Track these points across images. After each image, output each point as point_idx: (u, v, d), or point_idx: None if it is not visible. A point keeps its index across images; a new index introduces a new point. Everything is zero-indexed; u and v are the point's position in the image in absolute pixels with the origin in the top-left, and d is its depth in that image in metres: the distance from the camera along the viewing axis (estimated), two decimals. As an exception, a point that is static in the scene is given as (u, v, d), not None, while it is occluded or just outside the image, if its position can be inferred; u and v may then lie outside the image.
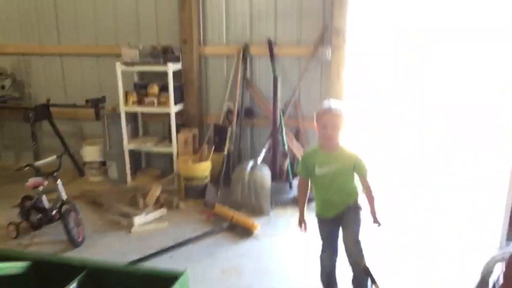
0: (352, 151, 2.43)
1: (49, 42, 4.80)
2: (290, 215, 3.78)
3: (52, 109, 4.65)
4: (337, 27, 3.87)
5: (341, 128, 2.36)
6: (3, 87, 4.79)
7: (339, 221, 2.48)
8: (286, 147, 4.05)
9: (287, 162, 4.05)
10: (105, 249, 3.33)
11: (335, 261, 2.58)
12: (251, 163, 3.96)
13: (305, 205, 2.57)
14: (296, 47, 4.10)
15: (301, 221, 2.57)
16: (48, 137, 4.90)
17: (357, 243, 2.39)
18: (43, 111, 4.54)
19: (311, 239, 3.08)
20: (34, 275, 2.02)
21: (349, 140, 2.46)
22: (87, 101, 4.33)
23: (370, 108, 4.81)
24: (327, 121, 2.34)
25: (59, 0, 4.67)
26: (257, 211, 3.83)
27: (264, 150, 4.09)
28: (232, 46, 4.25)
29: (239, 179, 3.91)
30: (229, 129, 4.21)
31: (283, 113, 4.13)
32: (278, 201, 3.93)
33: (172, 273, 2.00)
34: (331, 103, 2.40)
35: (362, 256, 2.35)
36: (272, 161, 4.11)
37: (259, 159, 4.01)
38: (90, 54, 4.73)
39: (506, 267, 1.88)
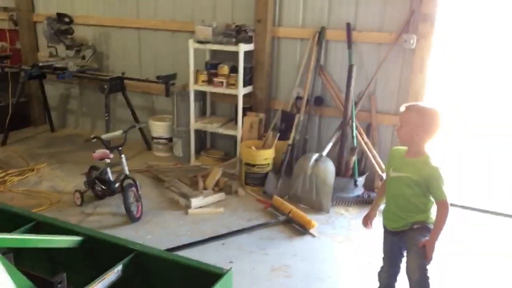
0: (434, 166, 2.08)
1: (129, 15, 4.87)
2: (351, 216, 3.53)
3: (126, 82, 4.76)
4: (426, 12, 3.44)
5: (409, 131, 2.08)
6: (83, 57, 4.98)
7: (401, 239, 2.21)
8: (355, 142, 3.76)
9: (354, 158, 3.76)
10: (160, 227, 3.35)
11: (394, 280, 2.33)
12: (315, 156, 3.74)
13: (378, 203, 2.42)
14: (377, 33, 3.74)
15: (368, 216, 2.40)
16: (122, 109, 5.05)
17: (420, 272, 2.08)
18: (117, 84, 4.65)
19: (373, 247, 2.85)
20: (85, 250, 2.07)
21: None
22: (158, 77, 4.34)
23: (460, 108, 4.34)
24: (399, 118, 2.10)
25: (141, -26, 4.71)
26: (317, 207, 3.63)
27: (331, 143, 3.84)
28: (308, 29, 3.99)
29: (301, 171, 3.72)
30: (297, 117, 4.00)
31: (356, 105, 3.83)
32: (340, 198, 3.68)
33: (217, 270, 1.93)
34: (416, 103, 2.15)
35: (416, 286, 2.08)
36: (338, 156, 3.86)
37: (325, 152, 3.77)
38: (166, 30, 4.73)
39: None
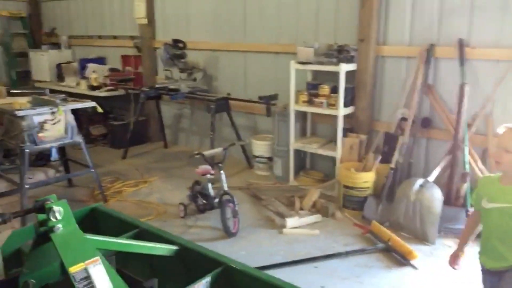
0: None
1: (236, 40, 5.13)
2: (467, 251, 3.18)
3: (231, 102, 4.98)
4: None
5: None
6: (195, 79, 5.35)
7: (502, 280, 1.92)
8: (467, 168, 3.42)
9: (465, 186, 3.41)
10: (255, 244, 3.39)
11: None
12: (420, 181, 3.47)
13: (468, 239, 2.16)
14: (495, 49, 3.39)
15: (456, 254, 2.17)
16: (226, 128, 5.28)
17: None
18: (223, 104, 4.89)
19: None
20: (180, 259, 2.18)
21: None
22: (260, 97, 4.47)
23: None
24: (500, 140, 1.88)
25: (248, 1, 4.94)
26: (421, 237, 3.35)
27: (439, 168, 3.53)
28: (415, 47, 3.78)
29: (404, 197, 3.48)
30: (400, 139, 3.78)
31: (469, 127, 3.49)
32: (448, 229, 3.35)
33: (299, 293, 1.88)
34: None
35: None
36: (447, 182, 3.54)
37: (431, 178, 3.48)
38: (270, 52, 4.88)
39: None
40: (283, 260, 3.11)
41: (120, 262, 2.20)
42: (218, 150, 3.89)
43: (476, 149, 3.52)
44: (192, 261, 2.20)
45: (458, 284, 2.79)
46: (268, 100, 4.47)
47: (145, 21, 5.89)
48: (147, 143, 6.19)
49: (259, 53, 4.98)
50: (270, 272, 2.82)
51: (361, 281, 2.87)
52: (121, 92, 5.87)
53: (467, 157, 3.43)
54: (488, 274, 2.04)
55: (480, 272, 2.10)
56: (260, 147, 4.88)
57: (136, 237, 2.32)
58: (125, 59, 6.43)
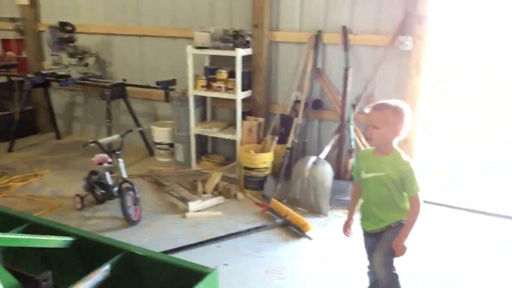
0: (405, 160, 2.11)
1: (130, 23, 4.95)
2: (356, 219, 3.50)
3: (128, 88, 4.82)
4: (421, 14, 3.44)
5: (384, 131, 2.06)
6: (86, 65, 5.06)
7: (379, 239, 2.20)
8: (353, 145, 3.75)
9: (352, 161, 3.75)
10: (158, 231, 3.37)
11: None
12: (313, 159, 3.74)
13: (354, 208, 2.37)
14: (373, 35, 3.74)
15: (346, 226, 2.38)
16: (125, 115, 5.11)
17: (385, 269, 2.10)
18: (119, 90, 4.72)
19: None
20: (76, 250, 2.12)
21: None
22: (157, 83, 4.39)
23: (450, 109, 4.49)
24: (369, 118, 2.10)
25: (141, -18, 4.79)
26: (315, 210, 3.62)
27: (328, 146, 3.83)
28: (304, 33, 4.01)
29: (299, 174, 3.72)
30: (295, 120, 4.00)
31: (354, 108, 3.82)
32: (338, 201, 3.67)
33: (202, 269, 1.96)
34: (385, 101, 2.12)
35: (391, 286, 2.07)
36: (337, 158, 3.85)
37: (322, 155, 3.77)
38: (167, 36, 4.79)
39: None
40: (187, 243, 3.15)
41: (10, 260, 2.06)
42: (114, 137, 3.77)
43: (360, 127, 3.85)
44: (90, 251, 2.15)
45: (347, 248, 3.07)
46: (166, 86, 4.42)
47: (26, 1, 5.39)
48: (37, 134, 5.72)
49: (155, 38, 4.87)
50: (175, 255, 2.86)
51: (262, 256, 3.02)
52: (2, 79, 5.33)
53: (353, 135, 3.76)
54: (369, 236, 2.29)
55: (362, 235, 2.35)
56: (160, 134, 4.81)
57: (27, 232, 2.19)
58: (5, 43, 5.85)
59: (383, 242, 2.15)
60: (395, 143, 2.12)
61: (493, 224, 3.48)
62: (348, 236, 2.40)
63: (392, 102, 2.12)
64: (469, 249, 3.12)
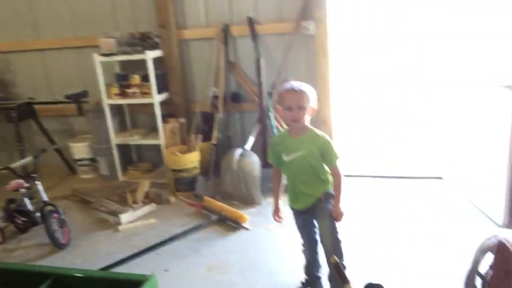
0: (321, 134, 2.23)
1: (28, 38, 4.64)
2: (283, 204, 3.59)
3: (37, 107, 4.53)
4: (319, -2, 3.60)
5: (307, 110, 2.16)
6: (-15, 88, 4.67)
7: (312, 213, 2.31)
8: (275, 131, 3.84)
9: (276, 147, 3.84)
10: (91, 249, 3.23)
11: (315, 253, 2.43)
12: (239, 151, 3.78)
13: (279, 194, 2.42)
14: (278, 23, 3.85)
15: (275, 213, 2.43)
16: (38, 136, 4.78)
17: (332, 236, 2.22)
18: (26, 110, 4.42)
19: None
20: (3, 284, 2.01)
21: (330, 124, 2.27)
22: (67, 96, 4.17)
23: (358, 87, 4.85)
24: (291, 101, 2.14)
25: (33, -7, 4.50)
26: (249, 201, 3.67)
27: (253, 136, 3.89)
28: (212, 28, 4.02)
29: (228, 169, 3.74)
30: (216, 116, 4.01)
31: (271, 96, 3.91)
32: (269, 188, 3.70)
33: (139, 278, 1.92)
34: (294, 83, 2.20)
35: (335, 251, 2.18)
36: (262, 147, 3.92)
37: (248, 146, 3.82)
38: (70, 47, 4.56)
39: (495, 257, 1.68)
40: (123, 256, 3.05)
41: None
42: (27, 159, 3.53)
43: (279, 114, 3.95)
44: (16, 282, 2.02)
45: (284, 232, 3.16)
46: (77, 98, 4.22)
47: None
48: None
49: (58, 50, 4.60)
50: (112, 271, 2.77)
51: (202, 255, 3.02)
52: None
53: (274, 122, 3.85)
54: (300, 214, 2.37)
55: (292, 215, 2.42)
56: (79, 149, 4.58)
57: None
58: None
59: (321, 213, 2.25)
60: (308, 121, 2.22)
61: (407, 185, 3.80)
62: (280, 221, 2.45)
63: (299, 83, 2.20)
64: (395, 212, 3.35)
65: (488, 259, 1.78)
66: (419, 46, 5.72)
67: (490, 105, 3.03)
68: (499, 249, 1.62)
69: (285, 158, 2.25)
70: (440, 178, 3.83)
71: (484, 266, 1.81)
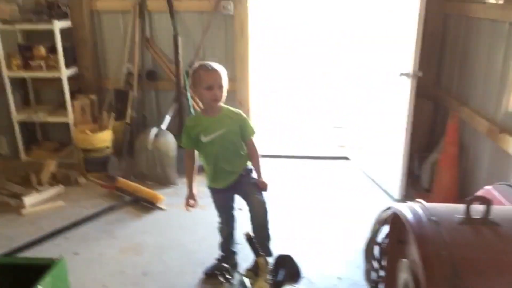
0: (236, 111, 2.30)
1: None
2: (199, 183, 3.59)
3: None
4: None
5: (225, 87, 2.20)
6: None
7: (234, 189, 2.35)
8: (192, 111, 3.80)
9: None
10: (-11, 235, 2.97)
11: (232, 229, 2.49)
12: (155, 130, 3.69)
13: (192, 178, 2.38)
14: (198, 1, 3.77)
15: (190, 197, 2.37)
16: None
17: (264, 205, 2.28)
18: None
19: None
20: None
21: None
22: (-41, 67, 3.73)
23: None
24: (211, 81, 2.15)
25: None
26: (164, 181, 3.61)
27: (169, 116, 3.81)
28: (128, 1, 3.82)
29: (143, 148, 3.64)
30: (130, 94, 3.86)
31: (188, 75, 3.84)
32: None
33: (46, 262, 1.83)
34: (207, 63, 2.21)
35: (266, 222, 2.27)
36: (178, 127, 3.85)
37: (164, 125, 3.74)
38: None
39: (390, 227, 1.85)
40: (28, 241, 2.85)
41: None
42: None
43: (197, 93, 3.91)
44: None
45: (199, 211, 3.16)
46: (-28, 69, 3.79)
47: None
48: None
49: None
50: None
51: (115, 236, 2.93)
52: None
53: (191, 102, 3.81)
54: (221, 192, 2.38)
55: (211, 194, 2.43)
56: (-26, 127, 4.15)
57: None
58: None
59: (248, 187, 2.29)
60: None
61: (316, 165, 4.04)
62: (193, 207, 2.38)
63: (210, 62, 2.22)
64: (305, 190, 3.53)
65: (384, 229, 1.96)
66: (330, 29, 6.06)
67: (391, 91, 3.29)
68: (393, 220, 1.79)
69: (204, 139, 2.25)
70: (347, 158, 4.10)
71: (381, 235, 1.99)
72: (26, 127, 4.14)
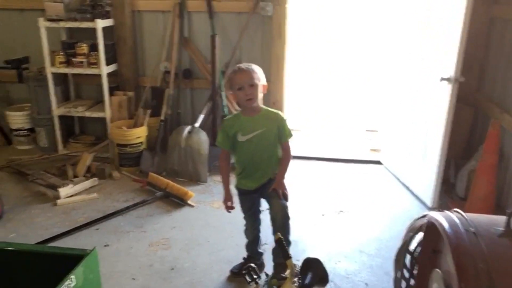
0: (276, 111, 2.27)
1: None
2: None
3: (-30, 71, 4.21)
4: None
5: (258, 87, 2.17)
6: None
7: (260, 193, 2.33)
8: (226, 111, 3.82)
9: (226, 127, 3.83)
10: (27, 223, 3.07)
11: (258, 231, 2.48)
12: (188, 128, 3.73)
13: (228, 179, 2.37)
14: (236, 2, 3.79)
15: (228, 199, 2.37)
16: (-29, 102, 4.46)
17: (284, 211, 2.23)
18: (-41, 74, 4.10)
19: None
20: None
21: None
22: (6, 62, 3.90)
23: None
24: (241, 81, 2.15)
25: None
26: (195, 178, 3.64)
27: (202, 114, 3.84)
28: (168, 1, 3.88)
29: (175, 145, 3.68)
30: (166, 92, 3.92)
31: (224, 74, 3.87)
32: (216, 167, 3.72)
33: (79, 253, 1.86)
34: (241, 64, 2.22)
35: (285, 227, 2.22)
36: (212, 126, 3.89)
37: (197, 123, 3.77)
38: (12, 9, 4.25)
39: (424, 236, 1.78)
40: (62, 231, 2.93)
41: None
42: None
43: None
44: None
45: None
46: (18, 65, 3.97)
47: None
48: None
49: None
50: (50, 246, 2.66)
51: (144, 230, 2.97)
52: None
53: (225, 101, 3.82)
54: (249, 194, 2.36)
55: (239, 196, 2.41)
56: (17, 119, 4.32)
57: None
58: None
59: (273, 191, 2.24)
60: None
61: (348, 168, 3.96)
62: (232, 208, 2.38)
63: (247, 64, 2.22)
64: (335, 193, 3.47)
65: (417, 237, 1.89)
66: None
67: (430, 95, 3.19)
68: (428, 228, 1.72)
69: (241, 138, 2.24)
70: (379, 162, 4.01)
71: (413, 244, 1.91)
72: (65, 121, 4.28)
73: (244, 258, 2.50)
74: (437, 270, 1.62)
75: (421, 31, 3.30)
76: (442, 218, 1.57)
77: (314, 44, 6.66)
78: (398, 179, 3.68)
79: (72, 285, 1.64)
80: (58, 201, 3.32)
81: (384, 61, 4.01)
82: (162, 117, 3.90)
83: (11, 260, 1.87)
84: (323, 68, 6.64)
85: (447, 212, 1.62)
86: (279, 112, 2.27)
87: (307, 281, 1.89)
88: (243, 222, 2.50)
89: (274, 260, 2.33)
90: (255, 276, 1.97)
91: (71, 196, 3.41)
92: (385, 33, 4.00)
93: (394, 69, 3.79)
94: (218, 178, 3.66)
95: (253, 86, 2.16)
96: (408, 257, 1.92)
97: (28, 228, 3.01)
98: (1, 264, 1.85)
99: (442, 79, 2.93)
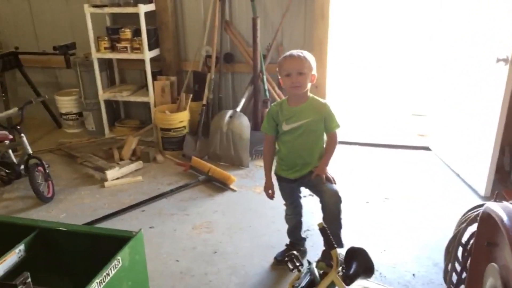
0: (322, 101, 2.20)
1: (14, -17, 4.43)
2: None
3: (23, 57, 4.38)
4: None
5: (307, 76, 2.11)
6: (-32, 34, 4.49)
7: (300, 182, 2.29)
8: (267, 95, 3.78)
9: (267, 111, 3.79)
10: (76, 204, 3.20)
11: (300, 217, 2.45)
12: (230, 112, 3.73)
13: (271, 165, 2.34)
14: (278, -17, 3.72)
15: (268, 187, 2.35)
16: (23, 87, 4.66)
17: (337, 196, 2.16)
18: (11, 60, 4.27)
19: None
20: None
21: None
22: (54, 48, 4.03)
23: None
24: (290, 68, 2.10)
25: None
26: (237, 162, 3.65)
27: (244, 98, 3.83)
28: (209, -17, 3.87)
29: (217, 129, 3.70)
30: (208, 76, 3.92)
31: (265, 58, 3.82)
32: (258, 152, 3.71)
33: (125, 234, 1.91)
34: (294, 51, 2.15)
35: (339, 215, 2.18)
36: (253, 110, 3.87)
37: (239, 108, 3.77)
38: (59, -4, 4.37)
39: (478, 227, 1.69)
40: (109, 212, 3.03)
41: None
42: (11, 111, 3.43)
43: (273, 77, 3.87)
44: (0, 233, 1.99)
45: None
46: (65, 50, 4.07)
47: None
48: None
49: (45, -2, 4.42)
50: (97, 226, 2.75)
51: (188, 213, 3.01)
52: None
53: (266, 85, 3.78)
54: (290, 182, 2.32)
55: (278, 182, 2.37)
56: (66, 103, 4.48)
57: None
58: None
59: (315, 179, 2.20)
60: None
61: (395, 154, 3.82)
62: (271, 198, 2.38)
63: (299, 51, 2.16)
64: (382, 181, 3.37)
65: (470, 229, 1.80)
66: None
67: (484, 77, 3.00)
68: (483, 219, 1.63)
69: (286, 127, 2.20)
70: (428, 148, 3.85)
71: (466, 236, 1.83)
72: (111, 105, 4.39)
73: (286, 245, 2.49)
74: (493, 264, 1.54)
75: (473, 6, 3.10)
76: (500, 209, 1.48)
77: (358, 25, 6.43)
78: (448, 166, 3.52)
79: (119, 265, 1.69)
80: (106, 183, 3.43)
81: (432, 41, 3.80)
82: (204, 102, 3.91)
83: (61, 240, 1.94)
84: (367, 50, 6.42)
85: (506, 203, 1.52)
86: (327, 103, 2.20)
87: (351, 271, 1.84)
88: (284, 208, 2.48)
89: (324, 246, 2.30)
90: (297, 264, 1.95)
91: (118, 178, 3.51)
92: (433, 11, 3.78)
93: (443, 50, 3.60)
94: (260, 163, 3.65)
95: (302, 74, 2.10)
96: (460, 249, 1.83)
97: (78, 209, 3.13)
98: (52, 244, 1.93)
99: (498, 60, 2.75)
